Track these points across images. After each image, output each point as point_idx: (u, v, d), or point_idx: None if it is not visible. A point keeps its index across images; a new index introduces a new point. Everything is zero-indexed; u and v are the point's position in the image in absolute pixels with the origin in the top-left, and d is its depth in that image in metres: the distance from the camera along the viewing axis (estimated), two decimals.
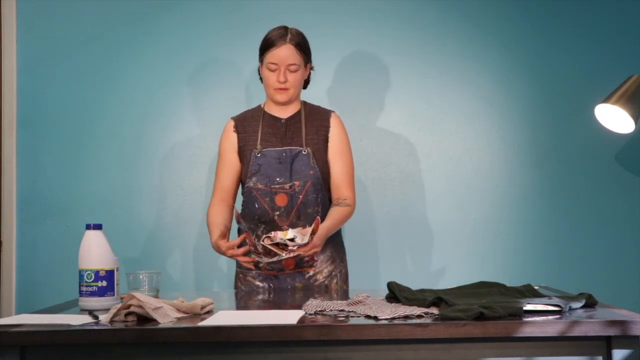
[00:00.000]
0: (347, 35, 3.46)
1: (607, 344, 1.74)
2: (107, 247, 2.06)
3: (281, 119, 2.69)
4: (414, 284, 2.24)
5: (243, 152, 2.68)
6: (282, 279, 2.62)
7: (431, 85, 3.47)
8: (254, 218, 2.62)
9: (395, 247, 3.44)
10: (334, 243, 2.70)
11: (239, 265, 2.72)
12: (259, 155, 2.63)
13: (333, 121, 2.70)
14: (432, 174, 3.46)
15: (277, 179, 2.61)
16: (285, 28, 2.63)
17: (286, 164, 2.62)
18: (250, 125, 2.70)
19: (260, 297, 2.46)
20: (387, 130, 3.46)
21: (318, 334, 1.71)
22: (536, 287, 2.20)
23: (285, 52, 2.59)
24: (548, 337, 1.71)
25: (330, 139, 2.68)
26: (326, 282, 2.66)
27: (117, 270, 2.07)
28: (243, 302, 2.38)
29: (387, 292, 2.10)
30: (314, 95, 3.41)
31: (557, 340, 1.73)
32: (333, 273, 2.67)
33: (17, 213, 3.43)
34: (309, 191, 2.61)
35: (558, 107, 3.46)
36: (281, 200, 2.61)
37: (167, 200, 3.45)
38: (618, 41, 3.45)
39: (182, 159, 3.46)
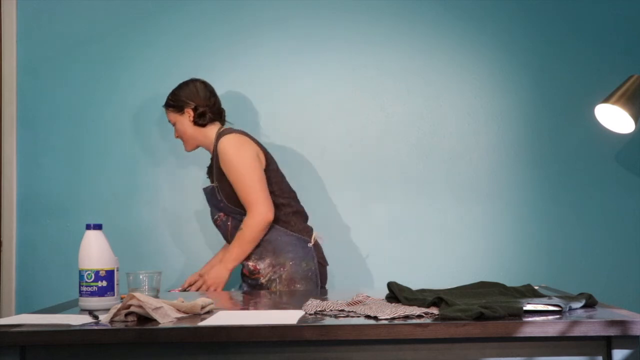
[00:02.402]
0: (345, 34, 3.46)
1: (607, 344, 1.73)
2: (107, 247, 2.06)
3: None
4: (414, 284, 2.24)
5: None
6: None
7: (431, 85, 3.47)
8: None
9: (395, 247, 3.43)
10: (273, 252, 2.85)
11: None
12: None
13: (219, 149, 2.84)
14: (432, 174, 3.45)
15: (213, 215, 2.95)
16: None
17: (209, 201, 2.92)
18: None
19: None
20: (387, 131, 3.46)
21: (318, 334, 1.72)
22: (536, 287, 2.20)
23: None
24: (548, 337, 1.71)
25: (222, 166, 2.83)
26: (267, 285, 2.85)
27: (117, 270, 2.07)
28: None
29: (386, 291, 2.10)
30: (312, 96, 3.43)
31: (557, 340, 1.73)
32: (272, 277, 2.85)
33: (17, 213, 3.43)
34: (225, 220, 2.87)
35: (558, 107, 3.46)
36: (221, 231, 2.93)
37: (167, 200, 3.45)
38: (618, 41, 3.45)
39: (182, 159, 3.46)
